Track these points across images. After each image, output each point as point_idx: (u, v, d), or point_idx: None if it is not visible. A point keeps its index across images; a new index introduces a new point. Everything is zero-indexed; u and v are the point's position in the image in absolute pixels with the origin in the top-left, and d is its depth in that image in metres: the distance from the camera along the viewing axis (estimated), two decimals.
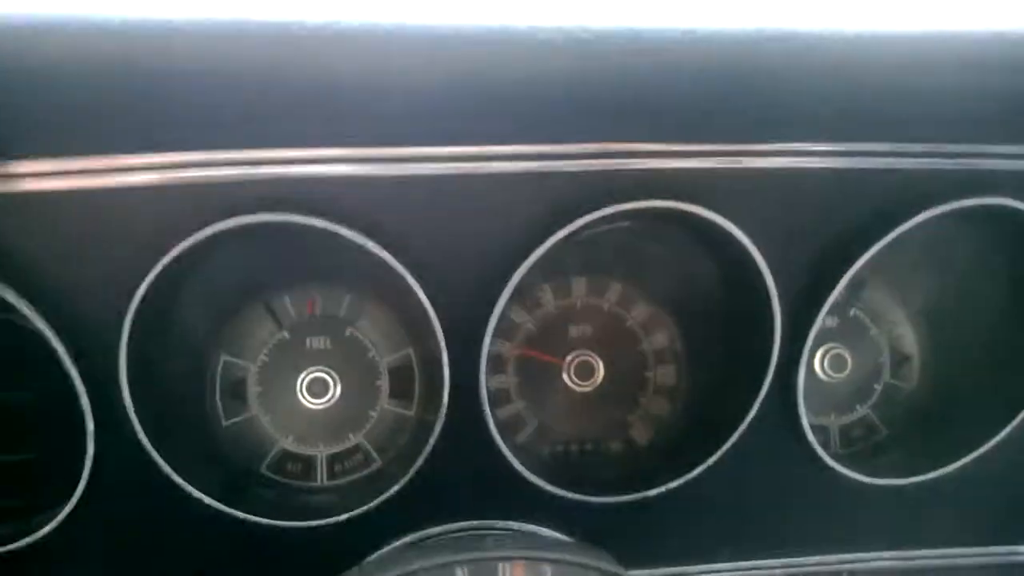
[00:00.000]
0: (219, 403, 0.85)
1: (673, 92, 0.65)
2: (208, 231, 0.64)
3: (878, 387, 0.95)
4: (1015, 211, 0.72)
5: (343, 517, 0.74)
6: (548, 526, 0.78)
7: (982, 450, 0.82)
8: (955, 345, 0.92)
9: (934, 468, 0.82)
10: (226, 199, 0.65)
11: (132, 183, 0.63)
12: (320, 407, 0.85)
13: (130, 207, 0.64)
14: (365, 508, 0.74)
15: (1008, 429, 0.82)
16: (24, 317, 0.64)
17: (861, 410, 0.95)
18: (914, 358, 0.95)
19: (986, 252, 0.84)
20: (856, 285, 0.95)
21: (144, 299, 0.65)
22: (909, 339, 0.96)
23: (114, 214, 0.64)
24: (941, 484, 0.83)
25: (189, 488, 0.71)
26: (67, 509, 0.69)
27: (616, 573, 0.55)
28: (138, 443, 0.68)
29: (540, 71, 0.62)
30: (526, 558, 0.54)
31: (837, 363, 0.93)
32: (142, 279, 0.64)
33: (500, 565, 0.54)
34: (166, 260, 0.63)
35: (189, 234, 0.64)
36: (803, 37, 0.60)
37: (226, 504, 0.72)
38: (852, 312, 0.95)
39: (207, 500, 0.71)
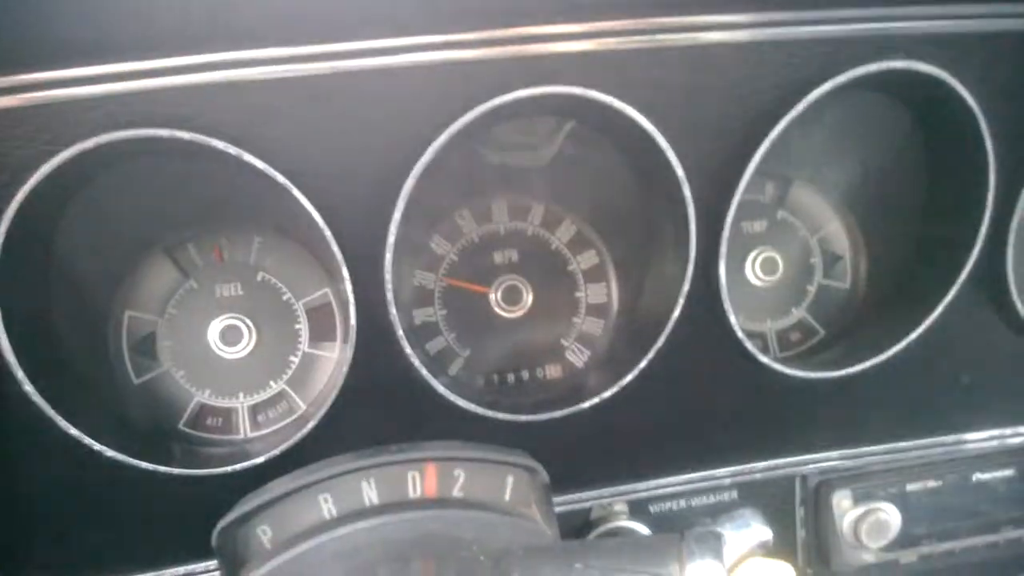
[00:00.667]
0: (128, 360, 0.80)
1: None
2: (59, 158, 0.59)
3: (811, 288, 0.94)
4: (928, 77, 0.69)
5: (261, 460, 0.70)
6: None
7: (914, 336, 0.81)
8: (883, 238, 0.91)
9: (870, 359, 0.81)
10: (86, 122, 0.60)
11: None
12: (237, 356, 0.81)
13: None
14: (283, 449, 0.71)
15: (938, 312, 0.80)
16: None
17: (797, 312, 0.94)
18: (845, 256, 0.94)
19: (904, 134, 0.82)
20: (781, 186, 0.93)
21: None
22: (839, 238, 0.95)
23: None
24: (879, 375, 0.82)
25: (94, 443, 0.66)
26: None
27: (528, 465, 0.53)
28: (27, 397, 0.64)
29: None
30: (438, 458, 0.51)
31: (769, 266, 0.91)
32: None
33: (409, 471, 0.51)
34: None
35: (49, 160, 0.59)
36: None
37: (143, 460, 0.68)
38: (780, 215, 0.94)
39: (117, 455, 0.67)
